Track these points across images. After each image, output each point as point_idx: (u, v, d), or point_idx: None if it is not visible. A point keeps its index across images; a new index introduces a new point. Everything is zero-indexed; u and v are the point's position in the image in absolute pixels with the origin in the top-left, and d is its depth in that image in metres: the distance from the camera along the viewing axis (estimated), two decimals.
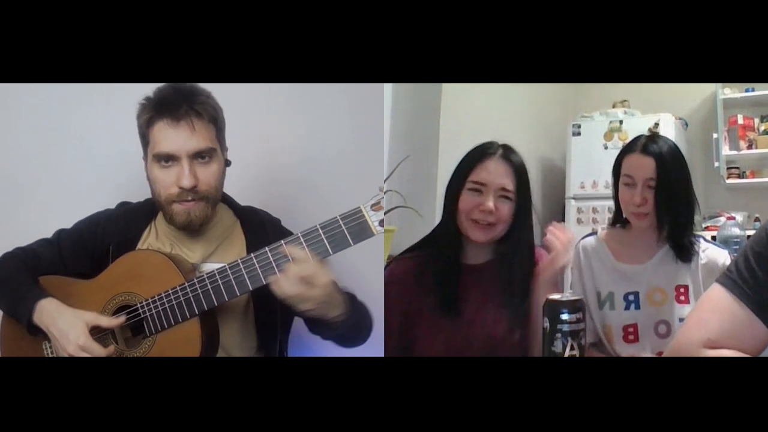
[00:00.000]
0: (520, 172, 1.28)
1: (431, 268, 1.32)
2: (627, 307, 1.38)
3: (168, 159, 1.21)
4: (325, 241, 1.11)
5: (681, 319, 1.33)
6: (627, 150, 1.40)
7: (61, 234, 1.35)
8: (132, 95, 1.66)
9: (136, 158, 1.69)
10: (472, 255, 1.33)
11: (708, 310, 0.98)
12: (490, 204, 1.24)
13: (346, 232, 1.10)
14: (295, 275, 1.08)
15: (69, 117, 1.71)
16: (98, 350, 1.16)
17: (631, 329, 1.37)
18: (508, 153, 1.29)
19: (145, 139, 1.26)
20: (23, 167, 1.69)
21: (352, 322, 1.19)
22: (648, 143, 1.37)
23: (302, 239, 1.11)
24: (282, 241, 1.13)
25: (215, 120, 1.25)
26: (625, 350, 1.37)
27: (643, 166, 1.34)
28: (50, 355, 1.26)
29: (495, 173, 1.26)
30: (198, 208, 1.23)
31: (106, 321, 1.19)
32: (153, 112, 1.23)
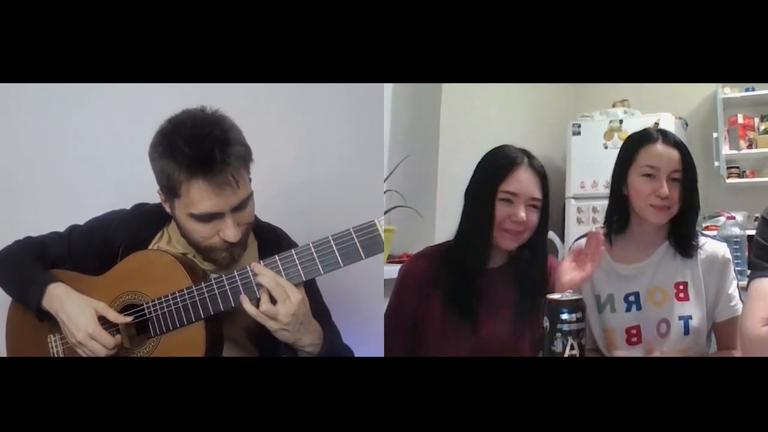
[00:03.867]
0: (544, 180, 1.32)
1: (452, 272, 1.33)
2: (628, 309, 1.35)
3: (210, 218, 1.16)
4: (337, 253, 1.10)
5: (680, 317, 1.31)
6: (644, 140, 1.34)
7: (73, 230, 1.35)
8: (132, 95, 1.67)
9: (135, 158, 1.70)
10: (489, 260, 1.35)
11: (755, 299, 1.10)
12: (522, 215, 1.27)
13: (358, 245, 1.09)
14: (264, 290, 1.08)
15: (69, 117, 1.70)
16: (107, 339, 1.17)
17: (633, 331, 1.34)
18: (532, 161, 1.31)
19: (171, 190, 1.16)
20: (23, 167, 1.69)
21: (324, 354, 1.17)
22: (666, 134, 1.34)
23: (313, 250, 1.11)
24: (292, 250, 1.12)
25: (248, 162, 1.19)
26: (629, 352, 1.33)
27: (669, 158, 1.31)
28: (55, 348, 1.27)
29: (526, 183, 1.29)
30: (239, 247, 1.22)
31: (114, 315, 1.19)
32: (185, 168, 1.12)
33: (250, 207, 1.22)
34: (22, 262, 1.28)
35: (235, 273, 1.15)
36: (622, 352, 1.31)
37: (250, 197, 1.21)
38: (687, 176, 1.31)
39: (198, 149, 1.11)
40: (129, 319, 1.20)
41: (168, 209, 1.25)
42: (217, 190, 1.13)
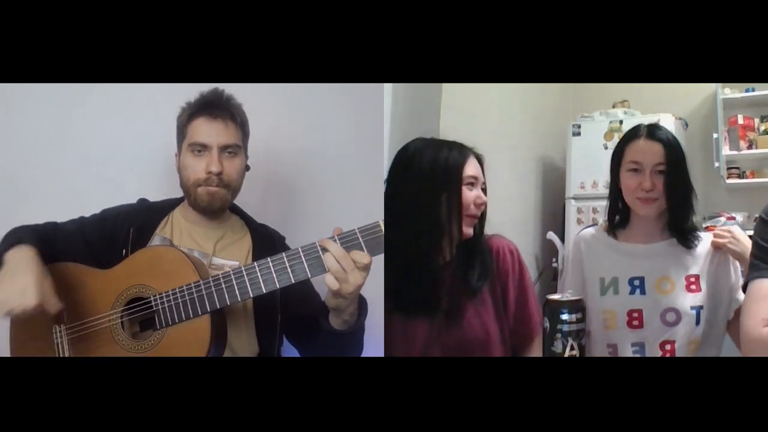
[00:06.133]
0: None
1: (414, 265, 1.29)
2: (632, 292, 1.37)
3: (201, 149, 1.35)
4: None
5: (692, 307, 1.33)
6: (630, 137, 1.39)
7: (83, 216, 1.42)
8: (132, 95, 1.67)
9: (135, 158, 1.70)
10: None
11: (755, 300, 1.08)
12: (484, 197, 1.28)
13: (363, 244, 1.12)
14: (345, 254, 1.12)
15: (69, 117, 1.71)
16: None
17: (636, 314, 1.36)
18: (479, 155, 1.34)
19: (182, 134, 1.40)
20: (23, 167, 1.69)
21: (355, 329, 1.23)
22: (652, 130, 1.38)
23: (319, 248, 1.13)
24: (299, 248, 1.15)
25: (243, 126, 1.42)
26: (628, 335, 1.35)
27: (652, 152, 1.34)
28: (59, 339, 1.27)
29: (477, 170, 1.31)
30: (220, 194, 1.36)
31: (53, 303, 1.18)
32: (194, 110, 1.39)
33: (237, 162, 1.38)
34: (21, 228, 1.32)
35: (242, 268, 1.18)
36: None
37: (237, 150, 1.38)
38: (671, 168, 1.34)
39: (208, 97, 1.40)
40: (60, 305, 1.18)
41: (180, 161, 1.40)
42: (211, 122, 1.36)
